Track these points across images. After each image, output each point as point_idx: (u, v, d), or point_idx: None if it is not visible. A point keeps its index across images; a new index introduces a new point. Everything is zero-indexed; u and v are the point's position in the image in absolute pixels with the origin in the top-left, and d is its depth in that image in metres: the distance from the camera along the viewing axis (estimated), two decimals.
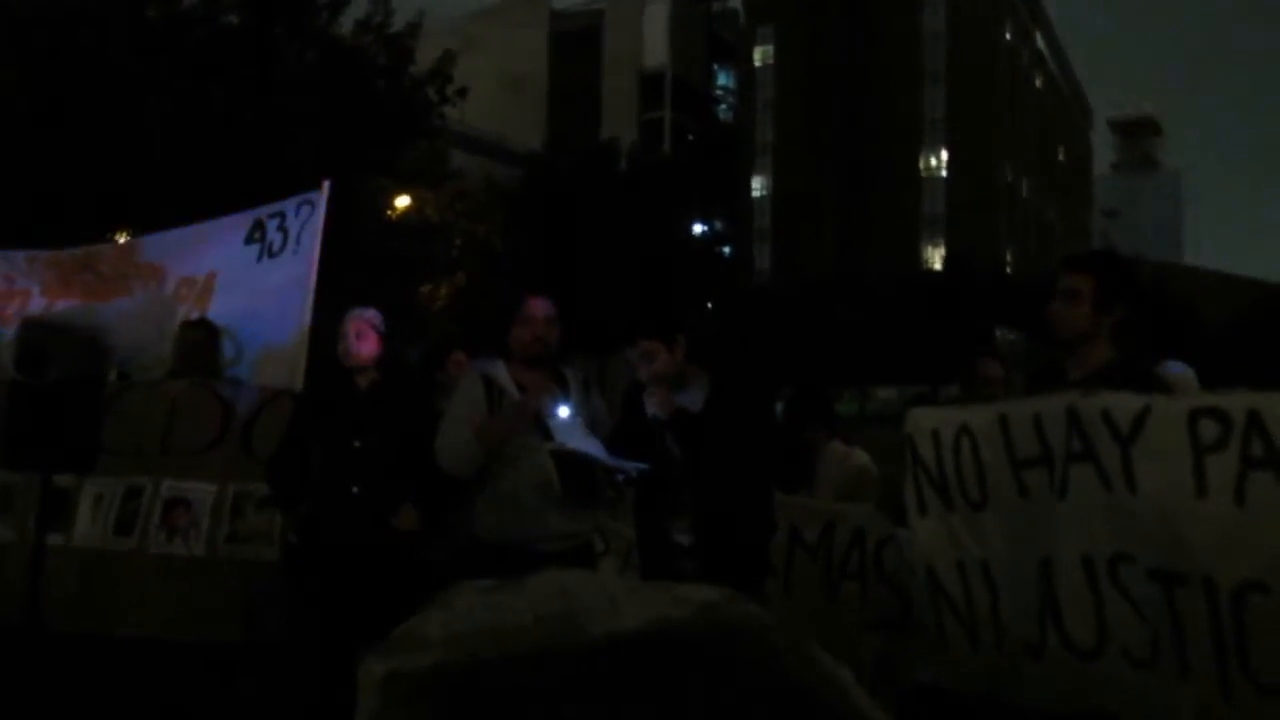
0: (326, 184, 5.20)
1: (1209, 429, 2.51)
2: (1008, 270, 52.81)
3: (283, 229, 5.25)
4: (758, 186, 62.26)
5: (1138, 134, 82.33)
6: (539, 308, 3.56)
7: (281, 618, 3.76)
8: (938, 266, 54.06)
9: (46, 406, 3.41)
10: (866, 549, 3.82)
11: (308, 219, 5.16)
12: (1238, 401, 2.52)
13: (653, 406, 3.34)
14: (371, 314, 3.91)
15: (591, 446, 3.30)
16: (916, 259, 56.40)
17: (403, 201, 20.12)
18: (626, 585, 2.05)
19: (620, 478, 3.30)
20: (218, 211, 5.78)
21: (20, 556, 3.94)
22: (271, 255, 5.25)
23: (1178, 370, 4.65)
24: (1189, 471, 2.51)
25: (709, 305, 33.36)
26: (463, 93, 19.33)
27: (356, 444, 3.65)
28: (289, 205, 5.28)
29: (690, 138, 60.50)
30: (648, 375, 3.34)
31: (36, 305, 5.62)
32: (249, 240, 5.32)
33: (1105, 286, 3.01)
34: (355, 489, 3.60)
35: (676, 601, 1.91)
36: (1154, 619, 2.57)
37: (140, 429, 4.21)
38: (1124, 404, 2.67)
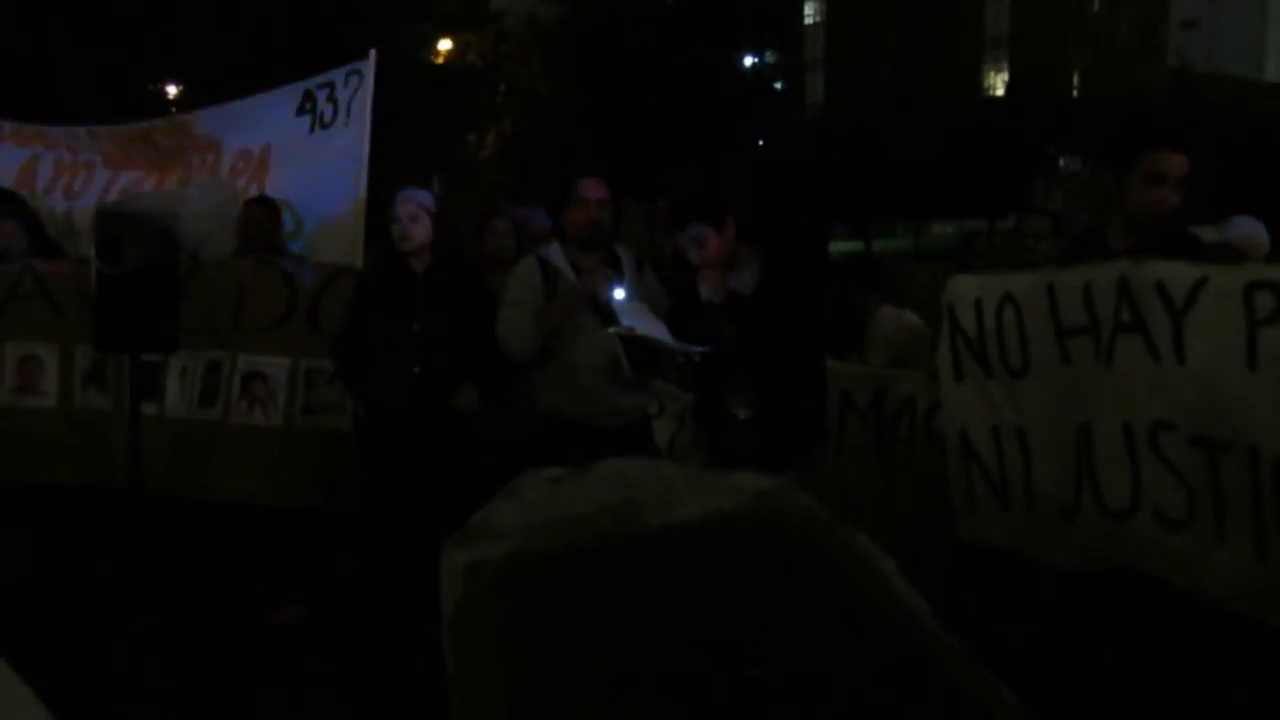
0: (373, 53, 5.16)
1: (1264, 302, 2.50)
2: (1074, 94, 50.03)
3: (332, 99, 5.25)
4: (810, 13, 58.86)
5: None
6: (592, 189, 3.57)
7: (357, 485, 4.00)
8: (1000, 93, 51.34)
9: (130, 292, 3.58)
10: (916, 415, 3.90)
11: (357, 89, 5.15)
12: None
13: (706, 291, 3.37)
14: (424, 196, 3.93)
15: (655, 329, 3.35)
16: (978, 85, 53.54)
17: (445, 46, 19.58)
18: (684, 473, 2.18)
19: (682, 360, 3.37)
20: (262, 67, 5.74)
21: (120, 424, 4.22)
22: (323, 126, 5.28)
23: (1245, 228, 4.50)
24: (1241, 343, 2.52)
25: (759, 142, 32.38)
26: None
27: (415, 327, 3.74)
28: (337, 75, 5.26)
29: None
30: (699, 260, 3.36)
31: (100, 177, 5.75)
32: (300, 112, 5.34)
33: None
34: (416, 370, 3.72)
35: (730, 491, 2.04)
36: (1193, 484, 2.62)
37: (213, 307, 4.35)
38: (1179, 275, 2.65)
